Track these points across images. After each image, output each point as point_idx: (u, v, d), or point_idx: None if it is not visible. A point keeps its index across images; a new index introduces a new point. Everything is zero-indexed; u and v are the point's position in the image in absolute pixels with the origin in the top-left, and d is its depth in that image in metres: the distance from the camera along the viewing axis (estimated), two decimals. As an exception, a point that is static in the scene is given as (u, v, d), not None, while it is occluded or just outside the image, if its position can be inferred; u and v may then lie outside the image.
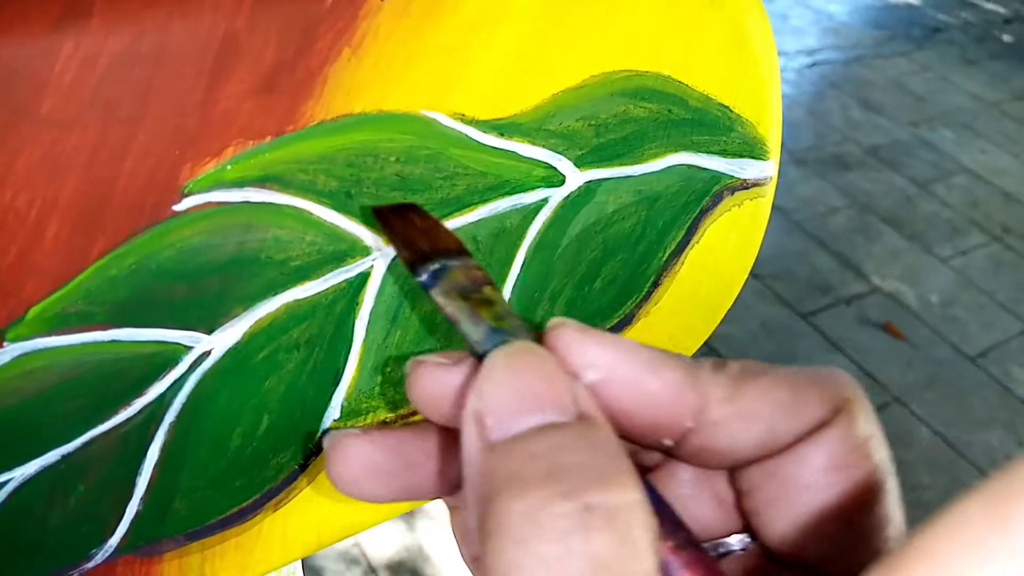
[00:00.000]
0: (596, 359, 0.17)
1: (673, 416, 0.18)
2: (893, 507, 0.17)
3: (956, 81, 2.60)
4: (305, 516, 0.27)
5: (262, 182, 0.23)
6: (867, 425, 0.18)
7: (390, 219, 0.23)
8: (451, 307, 0.20)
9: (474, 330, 0.19)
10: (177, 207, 0.22)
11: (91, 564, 0.24)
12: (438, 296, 0.20)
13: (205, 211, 0.22)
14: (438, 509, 1.23)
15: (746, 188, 0.31)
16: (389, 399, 0.27)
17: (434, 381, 0.19)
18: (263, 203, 0.23)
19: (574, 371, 0.17)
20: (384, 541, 1.19)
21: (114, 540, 0.24)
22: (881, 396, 1.60)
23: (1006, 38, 2.90)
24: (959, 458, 1.52)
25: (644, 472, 0.20)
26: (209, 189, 0.22)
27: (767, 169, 0.31)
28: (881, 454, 0.18)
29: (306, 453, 0.26)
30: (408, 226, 0.23)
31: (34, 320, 0.21)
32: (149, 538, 0.25)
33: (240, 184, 0.23)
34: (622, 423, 0.18)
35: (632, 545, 0.14)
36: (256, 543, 0.27)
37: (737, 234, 0.31)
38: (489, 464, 0.15)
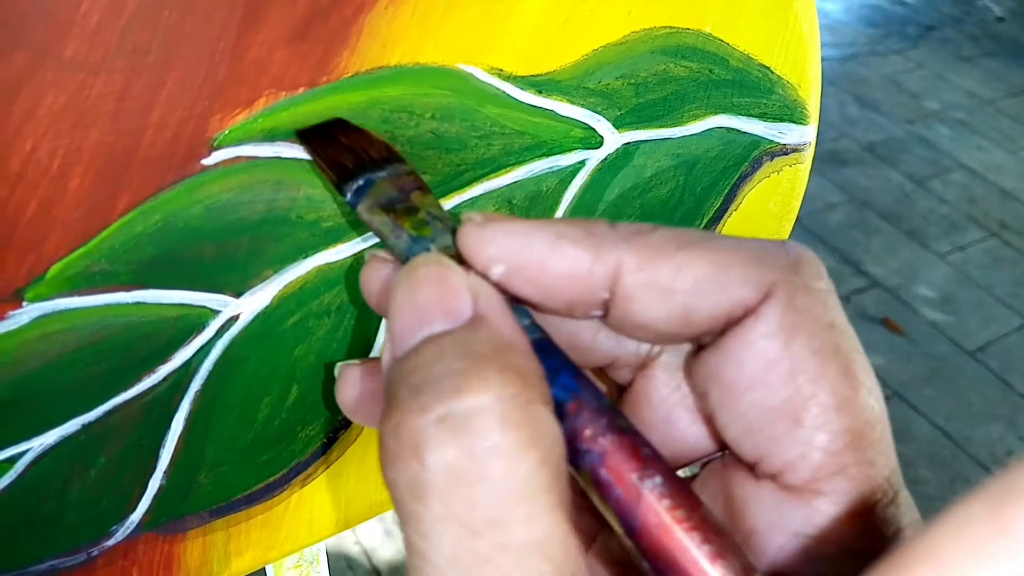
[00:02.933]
0: (499, 252, 0.17)
1: (587, 291, 0.17)
2: (865, 412, 0.16)
3: (951, 79, 2.61)
4: (334, 493, 0.26)
5: (294, 136, 0.22)
6: (810, 309, 0.16)
7: (313, 141, 0.22)
8: (375, 222, 0.20)
9: (397, 243, 0.19)
10: (206, 161, 0.21)
11: (111, 541, 0.23)
12: (363, 214, 0.20)
13: (235, 166, 0.21)
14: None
15: (785, 154, 0.30)
16: (420, 370, 0.26)
17: (376, 277, 0.19)
18: (295, 159, 0.22)
19: (482, 268, 0.17)
20: (387, 543, 1.18)
21: (136, 516, 0.23)
22: (881, 390, 1.59)
23: (1000, 36, 2.91)
24: (959, 452, 1.52)
25: (621, 390, 0.20)
26: (239, 142, 0.21)
27: (807, 134, 0.30)
28: (837, 340, 0.16)
29: (335, 425, 0.25)
30: (332, 145, 0.21)
31: (55, 279, 0.20)
32: (172, 514, 0.23)
33: (272, 138, 0.21)
34: (544, 305, 0.17)
35: (486, 449, 0.14)
36: (283, 520, 0.25)
37: (776, 201, 0.30)
38: (387, 382, 0.15)
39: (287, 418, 0.24)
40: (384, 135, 0.23)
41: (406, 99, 0.23)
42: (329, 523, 0.26)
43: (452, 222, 0.19)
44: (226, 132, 0.21)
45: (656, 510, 0.15)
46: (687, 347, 0.18)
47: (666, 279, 0.16)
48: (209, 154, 0.21)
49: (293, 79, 0.21)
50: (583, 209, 0.27)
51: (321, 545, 0.30)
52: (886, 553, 0.11)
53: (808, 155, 0.30)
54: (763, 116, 0.29)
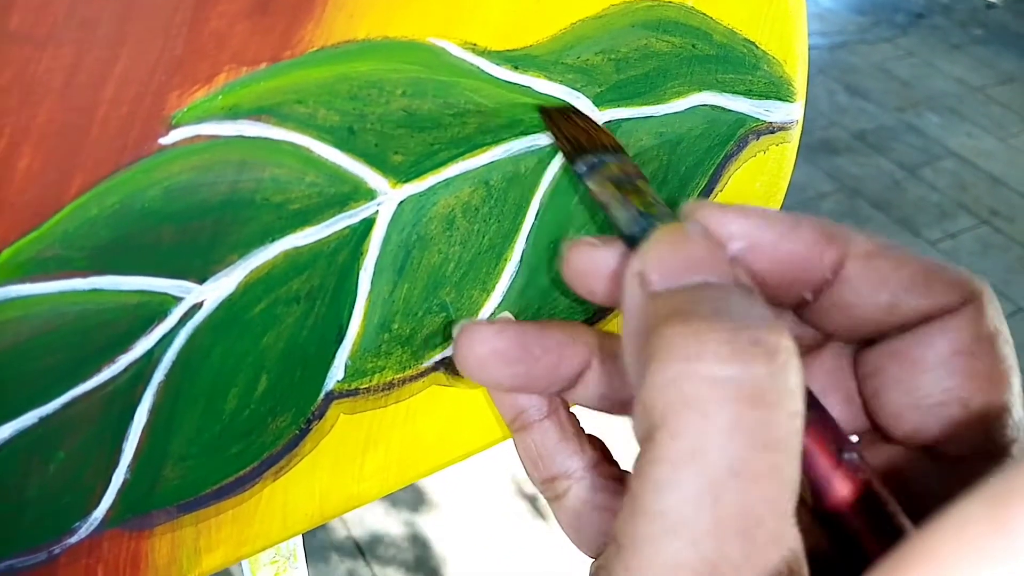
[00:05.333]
0: (739, 229, 0.18)
1: (814, 271, 0.18)
2: (1015, 401, 0.18)
3: (941, 66, 2.60)
4: (307, 486, 0.25)
5: (257, 114, 0.21)
6: (996, 321, 0.18)
7: (553, 115, 0.24)
8: (604, 194, 0.21)
9: (623, 215, 0.20)
10: (164, 140, 0.20)
11: (74, 539, 0.22)
12: (592, 184, 0.22)
13: (195, 145, 0.20)
14: (442, 498, 1.21)
15: (772, 132, 0.29)
16: (396, 358, 0.25)
17: (588, 259, 0.20)
18: (259, 138, 0.21)
19: (720, 243, 0.18)
20: (383, 529, 1.17)
21: (99, 512, 0.22)
22: None
23: (989, 23, 2.90)
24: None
25: None
26: (199, 120, 0.20)
27: (793, 112, 0.29)
28: (1008, 350, 0.18)
29: (308, 417, 0.24)
30: (569, 123, 0.24)
31: (5, 264, 0.19)
32: (138, 510, 0.23)
33: (233, 115, 0.21)
34: (768, 283, 0.19)
35: (786, 383, 0.14)
36: (255, 515, 0.24)
37: (763, 182, 0.29)
38: (653, 306, 0.16)
39: (256, 409, 0.23)
40: (352, 111, 0.22)
41: (375, 75, 0.22)
42: (304, 517, 0.25)
43: (672, 212, 0.20)
44: (185, 109, 0.20)
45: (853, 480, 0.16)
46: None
47: (886, 270, 0.18)
48: (167, 133, 0.20)
49: (255, 53, 0.20)
50: (563, 191, 0.26)
51: (298, 540, 0.29)
52: (885, 553, 0.11)
53: (795, 134, 0.29)
54: (748, 93, 0.28)
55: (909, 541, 0.11)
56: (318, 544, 1.14)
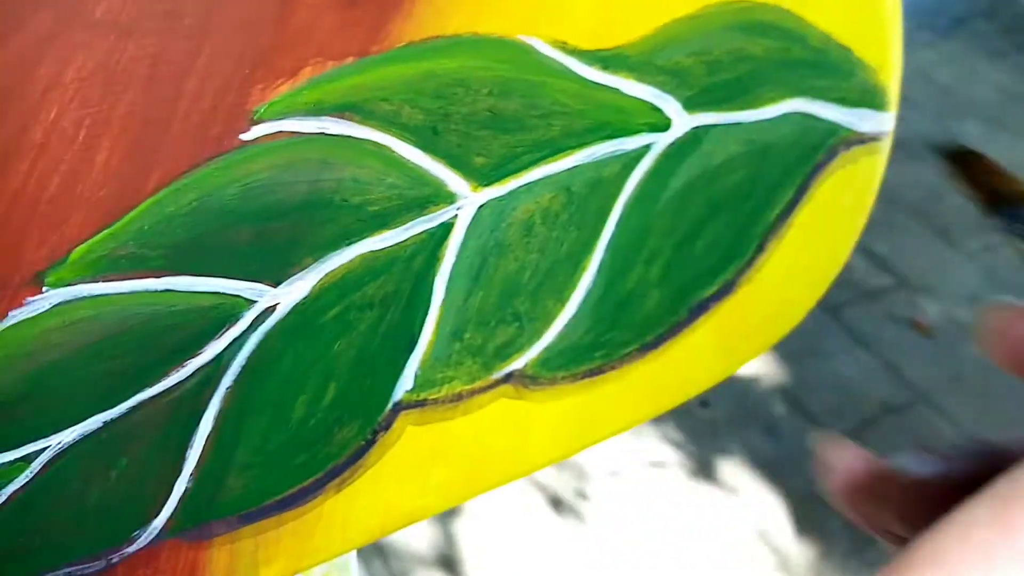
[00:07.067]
0: None
1: None
2: None
3: (982, 73, 2.56)
4: (370, 499, 0.24)
5: (341, 111, 0.20)
6: None
7: (959, 158, 0.22)
8: None
9: None
10: (245, 136, 0.19)
11: (132, 548, 0.21)
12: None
13: (276, 142, 0.19)
14: (472, 506, 1.20)
15: (863, 143, 0.27)
16: (466, 369, 0.24)
17: (1015, 327, 0.18)
18: (341, 136, 0.20)
19: None
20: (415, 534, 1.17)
21: (159, 521, 0.21)
22: (906, 394, 1.56)
23: (1034, 31, 2.85)
24: (986, 457, 1.49)
25: None
26: (282, 116, 0.19)
27: (886, 122, 0.28)
28: None
29: (375, 427, 0.23)
30: (976, 167, 0.22)
31: (78, 262, 0.18)
32: (198, 520, 0.22)
33: (317, 112, 0.20)
34: None
35: None
36: (315, 528, 0.24)
37: (850, 195, 0.28)
38: None
39: (323, 418, 0.22)
40: (437, 111, 0.21)
41: (462, 72, 0.21)
42: (365, 531, 0.24)
43: None
44: (267, 104, 0.19)
45: None
46: None
47: None
48: (248, 128, 0.19)
49: (342, 48, 0.19)
50: (646, 199, 0.25)
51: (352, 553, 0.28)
52: (892, 557, 0.11)
53: (886, 145, 0.28)
54: (842, 101, 0.26)
55: (916, 544, 0.11)
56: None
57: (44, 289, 0.18)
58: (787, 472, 1.23)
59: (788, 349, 1.63)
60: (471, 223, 0.22)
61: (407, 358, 0.23)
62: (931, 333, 1.72)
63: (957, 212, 2.02)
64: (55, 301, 0.18)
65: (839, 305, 1.70)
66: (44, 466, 0.19)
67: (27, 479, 0.19)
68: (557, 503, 1.19)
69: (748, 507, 1.17)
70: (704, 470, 1.21)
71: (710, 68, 0.24)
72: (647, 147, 0.24)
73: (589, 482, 1.15)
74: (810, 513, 1.18)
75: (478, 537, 1.16)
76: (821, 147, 0.27)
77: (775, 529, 1.15)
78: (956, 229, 1.97)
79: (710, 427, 1.32)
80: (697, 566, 1.07)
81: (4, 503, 0.19)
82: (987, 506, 0.10)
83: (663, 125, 0.24)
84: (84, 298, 0.18)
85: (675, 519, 1.12)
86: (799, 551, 1.13)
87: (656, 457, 1.20)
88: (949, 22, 2.89)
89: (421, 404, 0.24)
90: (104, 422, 0.20)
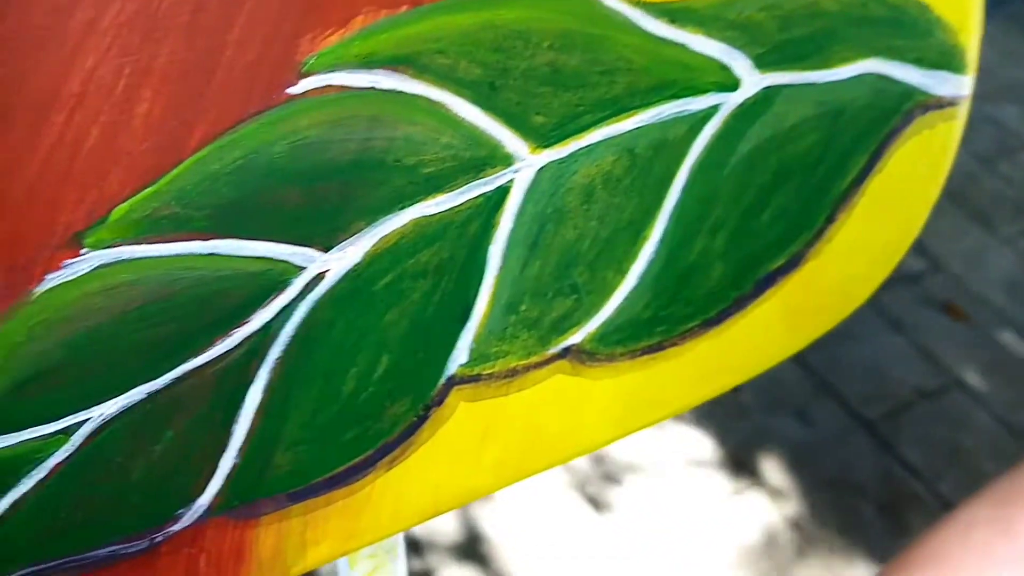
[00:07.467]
0: None
1: None
2: None
3: (1022, 55, 2.50)
4: (422, 477, 0.23)
5: (394, 64, 0.19)
6: None
7: None
8: None
9: None
10: (293, 89, 0.18)
11: (177, 527, 0.20)
12: None
13: (326, 97, 0.18)
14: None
15: (940, 107, 0.26)
16: (522, 343, 0.23)
17: None
18: (393, 91, 0.19)
19: None
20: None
21: (205, 499, 0.20)
22: (941, 378, 1.53)
23: (1074, 11, 2.78)
24: (1020, 446, 1.46)
25: None
26: (332, 68, 0.18)
27: (964, 86, 0.26)
28: None
29: (427, 403, 0.22)
30: None
31: (119, 222, 0.17)
32: (246, 497, 0.21)
33: (368, 64, 0.18)
34: None
35: None
36: (365, 506, 0.22)
37: (925, 163, 0.26)
38: None
39: (375, 392, 0.21)
40: (495, 65, 0.20)
41: (522, 24, 0.20)
42: (416, 510, 0.23)
43: None
44: (317, 56, 0.18)
45: None
46: None
47: None
48: (297, 81, 0.18)
49: (396, -5, 0.18)
50: (712, 164, 0.23)
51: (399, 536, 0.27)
52: (894, 555, 0.11)
53: (964, 110, 0.26)
54: (919, 62, 0.25)
55: (916, 543, 0.11)
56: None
57: (83, 251, 0.17)
58: (818, 457, 1.21)
59: (820, 334, 1.60)
60: (529, 187, 0.21)
61: (461, 330, 0.22)
62: (966, 318, 1.69)
63: (994, 196, 1.98)
64: (95, 264, 0.17)
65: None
66: (85, 439, 0.18)
67: (68, 453, 0.18)
68: (582, 488, 1.18)
69: (778, 492, 1.15)
70: (734, 455, 1.19)
71: (782, 23, 0.22)
72: (715, 108, 0.23)
73: (615, 465, 1.13)
74: (841, 498, 1.17)
75: (510, 530, 1.15)
76: (897, 111, 0.25)
77: (805, 514, 1.13)
78: (993, 214, 1.93)
79: (741, 411, 1.31)
80: (725, 550, 1.05)
81: (45, 478, 0.18)
82: (987, 506, 0.11)
83: (732, 84, 0.22)
84: (125, 261, 0.17)
85: (703, 503, 1.10)
86: (829, 536, 1.11)
87: (686, 441, 1.18)
88: (988, 3, 2.82)
89: (475, 379, 0.23)
90: (148, 393, 0.19)
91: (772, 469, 1.26)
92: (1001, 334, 1.64)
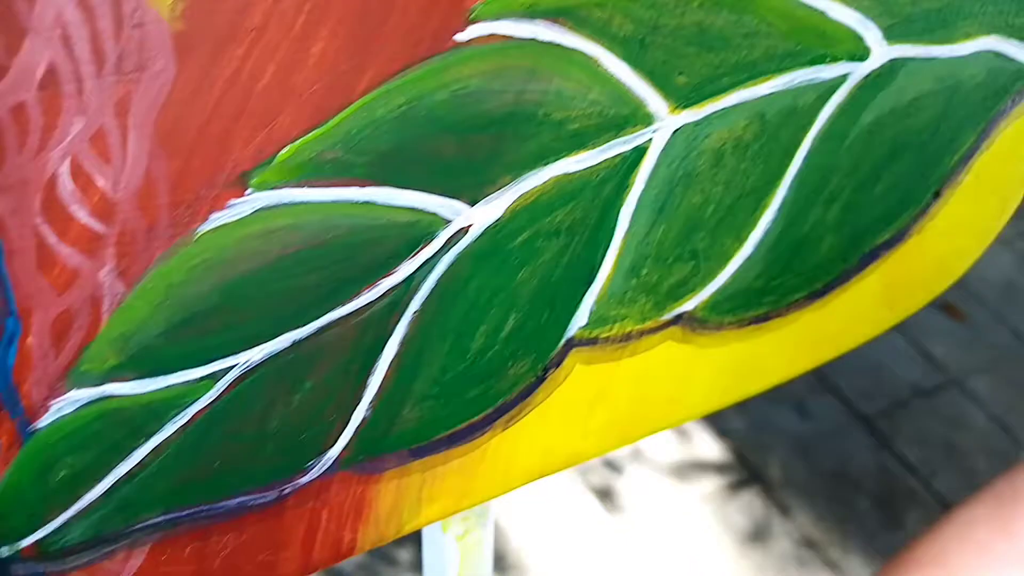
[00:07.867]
0: None
1: None
2: None
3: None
4: (533, 439, 0.23)
5: (555, 15, 0.18)
6: None
7: None
8: None
9: None
10: (460, 36, 0.17)
11: (305, 479, 0.20)
12: None
13: (488, 46, 0.18)
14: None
15: (1050, 89, 0.26)
16: (639, 307, 0.23)
17: None
18: (551, 44, 0.19)
19: None
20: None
21: (335, 451, 0.20)
22: (938, 377, 1.55)
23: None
24: (1016, 446, 1.47)
25: None
26: (497, 17, 0.18)
27: (1075, 67, 0.26)
28: None
29: (546, 364, 0.22)
30: None
31: (284, 164, 0.17)
32: (372, 452, 0.20)
33: (532, 15, 0.18)
34: None
35: None
36: (479, 466, 0.22)
37: (1029, 143, 0.26)
38: None
39: (500, 351, 0.21)
40: (648, 21, 0.19)
41: None
42: (525, 472, 0.23)
43: None
44: (485, 2, 0.17)
45: None
46: None
47: None
48: (464, 28, 0.17)
49: (564, -56, 0.18)
50: (835, 134, 0.23)
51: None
52: (893, 554, 0.11)
53: (1069, 92, 0.26)
54: (1035, 41, 0.25)
55: (916, 543, 0.11)
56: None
57: (248, 191, 0.17)
58: (816, 452, 1.22)
59: (818, 329, 1.60)
60: (664, 148, 0.21)
61: (584, 292, 0.22)
62: (964, 317, 1.71)
63: None
64: (258, 205, 0.17)
65: (870, 287, 1.68)
66: (229, 385, 0.18)
67: (211, 399, 0.18)
68: (584, 476, 1.18)
69: (776, 485, 1.16)
70: (732, 448, 1.20)
71: (915, -5, 0.22)
72: (844, 77, 0.22)
73: (617, 454, 1.14)
74: (838, 492, 1.18)
75: (523, 531, 1.15)
76: (1009, 90, 0.25)
77: (803, 508, 1.14)
78: None
79: (739, 404, 1.32)
80: (724, 544, 1.06)
81: (186, 424, 0.18)
82: (987, 506, 0.11)
83: (863, 54, 0.22)
84: (287, 204, 0.17)
85: (702, 496, 1.11)
86: (827, 529, 1.12)
87: (686, 432, 1.18)
88: None
89: (592, 342, 0.23)
90: (293, 341, 0.18)
91: (770, 462, 1.27)
92: (997, 335, 1.66)
